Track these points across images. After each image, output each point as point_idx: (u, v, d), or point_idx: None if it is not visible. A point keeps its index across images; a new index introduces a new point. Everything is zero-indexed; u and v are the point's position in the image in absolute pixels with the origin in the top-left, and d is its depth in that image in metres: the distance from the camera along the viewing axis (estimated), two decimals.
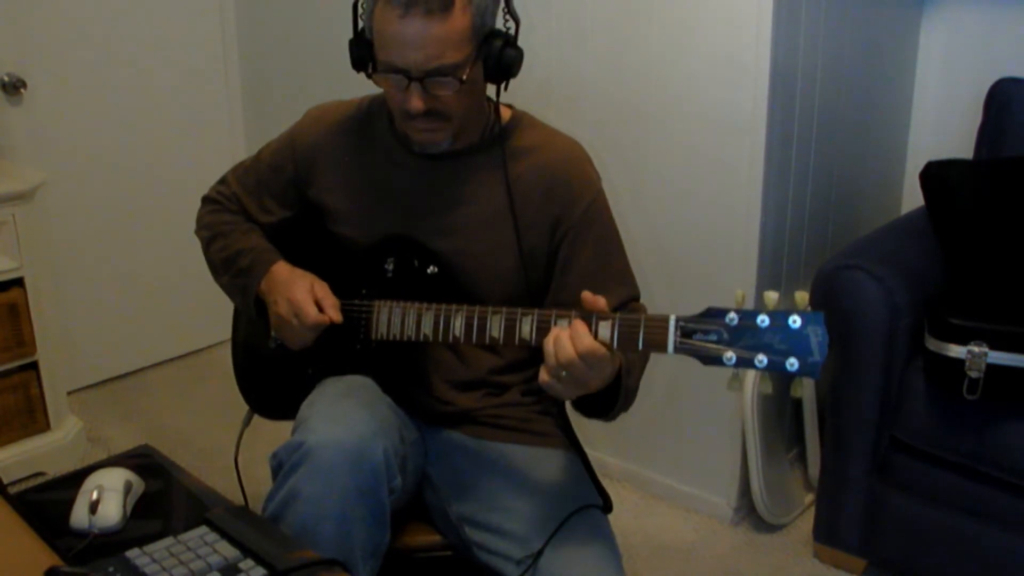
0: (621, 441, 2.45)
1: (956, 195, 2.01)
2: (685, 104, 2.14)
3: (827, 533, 2.13)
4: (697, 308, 2.21)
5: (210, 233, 1.59)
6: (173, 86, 2.98)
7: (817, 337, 1.09)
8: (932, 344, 1.82)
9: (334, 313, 1.43)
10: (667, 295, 2.28)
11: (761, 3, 1.96)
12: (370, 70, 1.35)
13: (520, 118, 1.49)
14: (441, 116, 1.35)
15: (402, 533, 1.48)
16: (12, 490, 1.34)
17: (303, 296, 1.42)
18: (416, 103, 1.31)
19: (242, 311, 1.61)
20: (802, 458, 2.44)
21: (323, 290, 1.45)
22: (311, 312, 1.41)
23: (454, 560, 1.49)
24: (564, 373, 1.19)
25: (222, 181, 1.64)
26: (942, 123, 2.49)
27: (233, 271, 1.53)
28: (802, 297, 1.14)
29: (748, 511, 2.33)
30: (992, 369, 1.76)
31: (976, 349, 1.77)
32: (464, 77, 1.30)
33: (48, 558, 1.10)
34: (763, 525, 2.31)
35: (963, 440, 1.86)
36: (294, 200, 1.56)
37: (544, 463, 1.47)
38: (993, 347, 1.76)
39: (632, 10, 2.16)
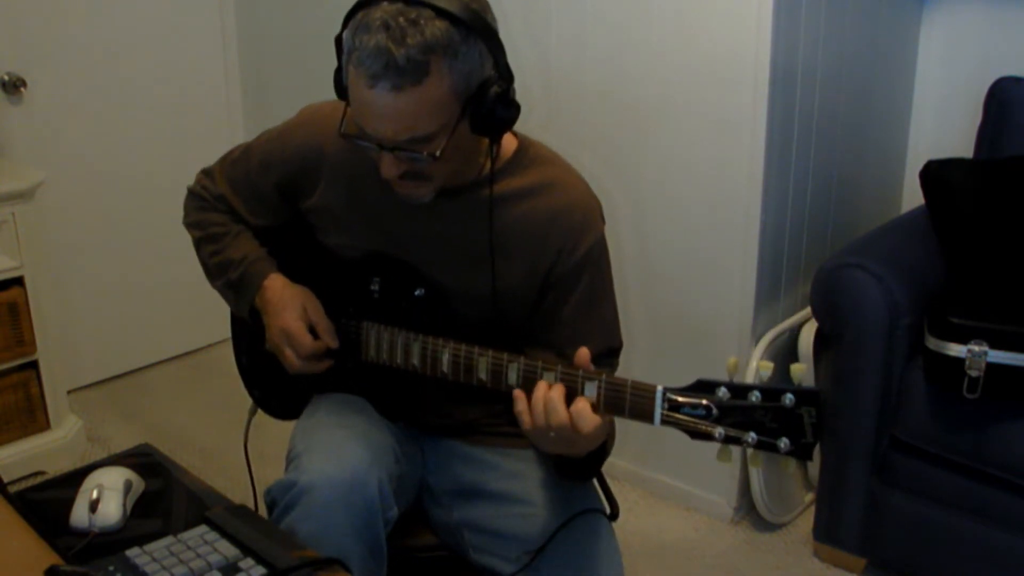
0: (621, 440, 2.43)
1: (956, 194, 2.01)
2: (685, 104, 2.14)
3: (827, 532, 2.13)
4: (698, 310, 2.23)
5: (200, 233, 1.53)
6: (173, 86, 2.98)
7: (811, 417, 1.04)
8: (932, 343, 1.82)
9: (329, 339, 1.39)
10: (667, 295, 2.29)
11: (761, 3, 1.96)
12: (342, 129, 1.25)
13: (524, 152, 1.38)
14: (420, 177, 1.26)
15: (401, 533, 1.48)
16: (12, 489, 1.34)
17: (296, 325, 1.38)
18: (389, 170, 1.23)
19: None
20: None
21: (316, 312, 1.40)
22: (306, 343, 1.37)
23: (452, 560, 1.49)
24: (552, 434, 1.15)
25: (207, 173, 1.56)
26: (942, 122, 2.49)
27: (223, 281, 1.49)
28: (798, 368, 1.07)
29: (748, 510, 2.33)
30: (992, 368, 1.76)
31: (976, 348, 1.76)
32: (438, 152, 1.19)
33: (48, 557, 1.10)
34: (763, 524, 2.31)
35: (963, 439, 1.86)
36: (280, 203, 1.49)
37: (546, 467, 1.45)
38: (993, 346, 1.76)
39: (632, 10, 2.16)
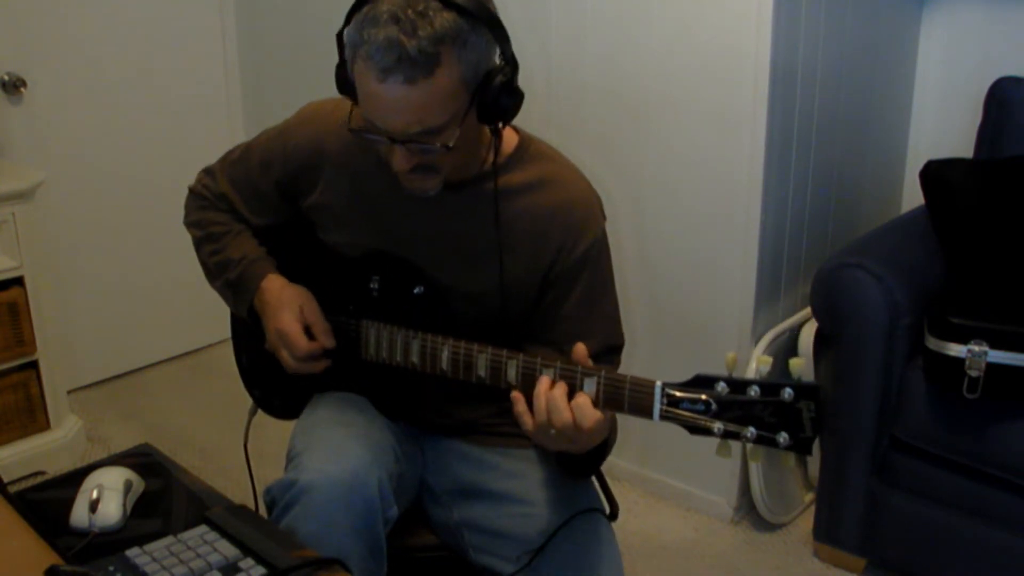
0: (621, 440, 2.43)
1: (956, 194, 2.01)
2: (685, 104, 2.14)
3: (827, 532, 2.13)
4: (699, 309, 2.23)
5: (200, 232, 1.53)
6: (173, 86, 2.98)
7: (810, 412, 1.04)
8: (932, 343, 1.82)
9: (325, 339, 1.39)
10: (667, 294, 2.29)
11: (761, 2, 1.96)
12: (350, 124, 1.26)
13: (526, 147, 1.38)
14: (431, 169, 1.26)
15: (401, 533, 1.48)
16: (12, 489, 1.34)
17: (291, 326, 1.38)
18: (401, 163, 1.23)
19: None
20: (802, 457, 2.43)
21: (312, 312, 1.40)
22: (301, 344, 1.37)
23: (452, 560, 1.49)
24: (553, 431, 1.15)
25: (208, 172, 1.56)
26: (942, 122, 2.49)
27: (222, 280, 1.50)
28: (797, 363, 1.07)
29: (748, 510, 2.33)
30: (992, 368, 1.76)
31: (976, 348, 1.77)
32: (451, 143, 1.20)
33: (48, 557, 1.10)
34: (763, 524, 2.31)
35: (963, 439, 1.86)
36: (281, 202, 1.49)
37: (546, 466, 1.45)
38: (993, 346, 1.76)
39: (632, 9, 2.15)
